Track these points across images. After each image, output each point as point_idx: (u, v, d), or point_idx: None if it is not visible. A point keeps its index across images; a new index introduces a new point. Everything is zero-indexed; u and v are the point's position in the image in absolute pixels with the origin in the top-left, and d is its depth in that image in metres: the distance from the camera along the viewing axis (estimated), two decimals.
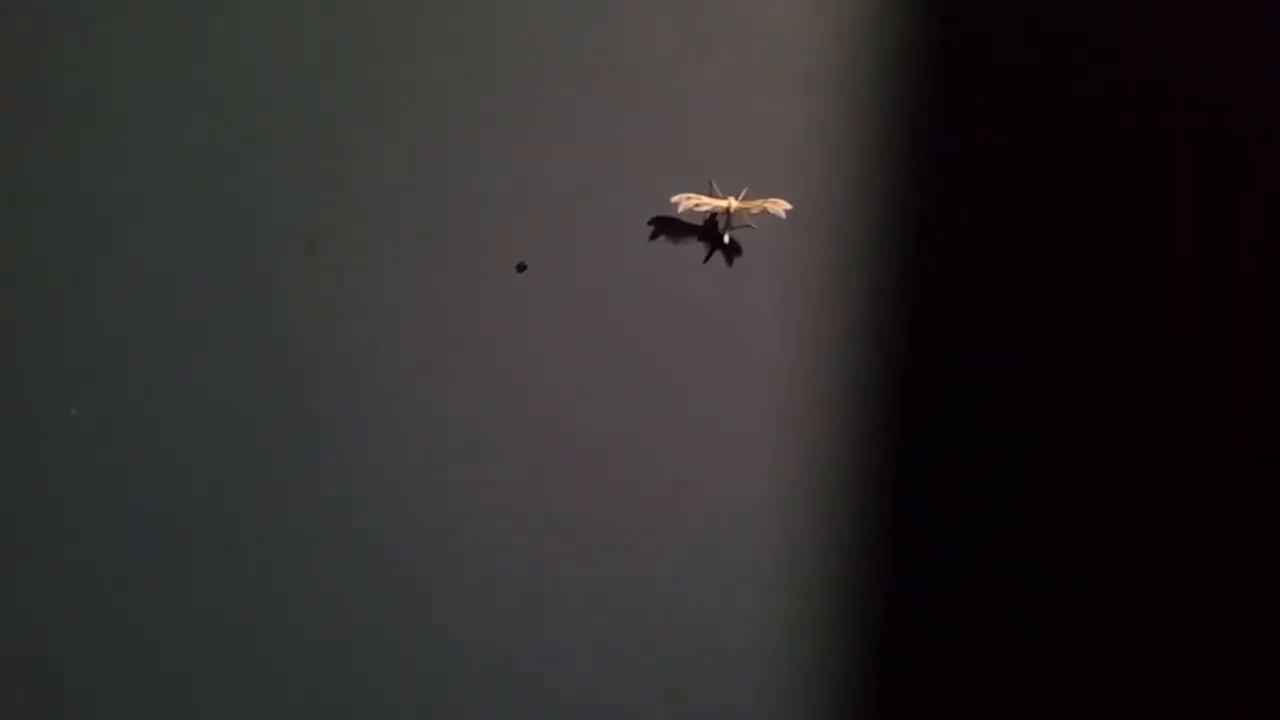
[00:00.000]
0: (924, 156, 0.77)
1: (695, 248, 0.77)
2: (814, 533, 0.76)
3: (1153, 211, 0.77)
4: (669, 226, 0.77)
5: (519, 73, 0.77)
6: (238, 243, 0.76)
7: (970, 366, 0.76)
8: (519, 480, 0.76)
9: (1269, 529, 0.73)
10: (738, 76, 0.77)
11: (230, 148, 0.76)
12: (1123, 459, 0.76)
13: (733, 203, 0.75)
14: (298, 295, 0.76)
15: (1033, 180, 0.77)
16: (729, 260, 0.77)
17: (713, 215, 0.76)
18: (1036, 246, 0.77)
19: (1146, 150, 0.77)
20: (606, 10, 0.77)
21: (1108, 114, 0.77)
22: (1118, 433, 0.76)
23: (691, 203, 0.75)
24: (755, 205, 0.75)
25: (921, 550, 0.76)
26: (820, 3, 0.77)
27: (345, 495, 0.76)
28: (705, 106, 0.77)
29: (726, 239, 0.76)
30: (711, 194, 0.75)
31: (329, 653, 0.75)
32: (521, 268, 0.76)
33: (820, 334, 0.77)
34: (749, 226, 0.77)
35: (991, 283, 0.76)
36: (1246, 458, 0.75)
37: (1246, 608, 0.74)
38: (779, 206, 0.75)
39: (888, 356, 0.76)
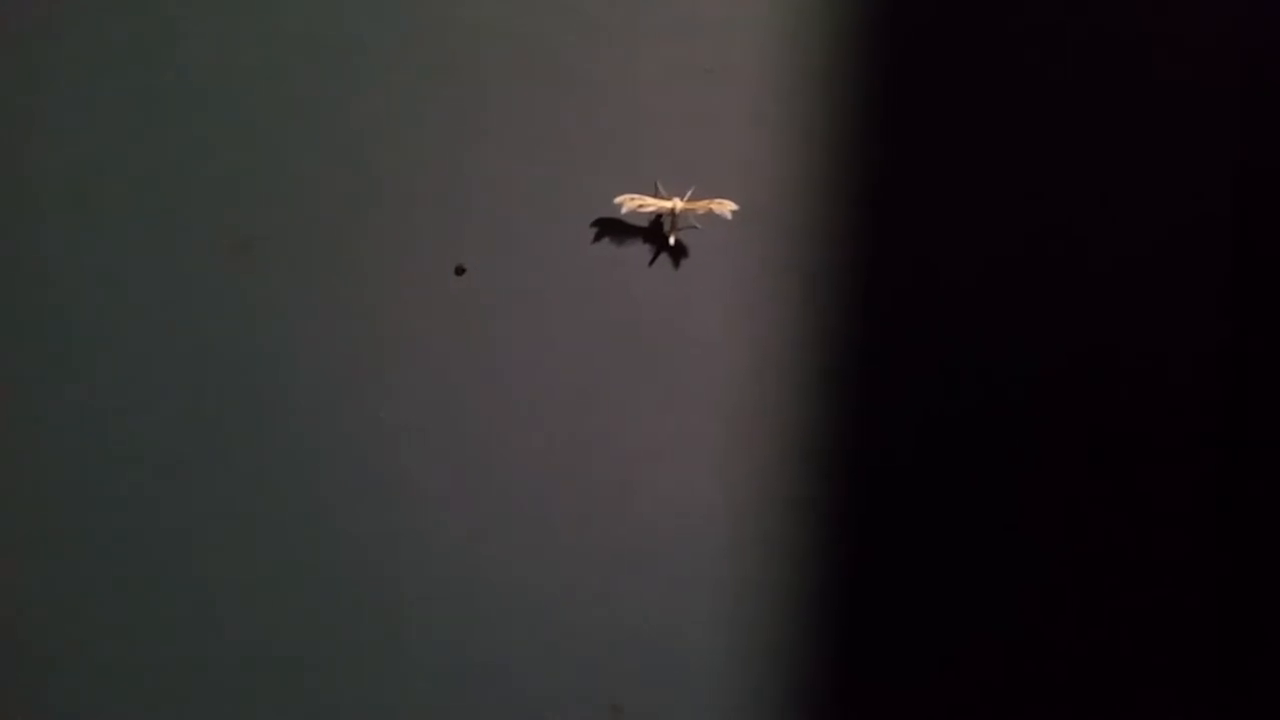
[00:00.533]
0: (875, 151, 0.77)
1: (640, 250, 0.77)
2: (766, 541, 0.76)
3: (1116, 201, 0.77)
4: (613, 228, 0.76)
5: (456, 70, 0.76)
6: (168, 243, 0.76)
7: (924, 366, 0.76)
8: (457, 488, 0.75)
9: (1234, 516, 0.74)
10: (681, 73, 0.77)
11: (162, 148, 0.75)
12: (1078, 454, 0.76)
13: (678, 203, 0.74)
14: (228, 298, 0.75)
15: (987, 172, 0.77)
16: (675, 262, 0.77)
17: (658, 216, 0.76)
18: (992, 241, 0.76)
19: (1106, 138, 0.77)
20: (546, 4, 0.77)
21: (1063, 102, 0.77)
22: (1076, 427, 0.76)
23: (636, 204, 0.74)
24: (701, 205, 0.74)
25: (874, 558, 0.76)
26: None
27: (276, 502, 0.75)
28: (649, 105, 0.77)
29: (672, 240, 0.76)
30: (656, 195, 0.75)
31: (259, 665, 0.74)
32: (460, 271, 0.75)
33: (770, 337, 0.76)
34: (695, 227, 0.76)
35: (947, 280, 0.76)
36: (1212, 447, 0.75)
37: (1214, 605, 0.75)
38: (725, 207, 0.74)
39: (839, 358, 0.76)
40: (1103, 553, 0.76)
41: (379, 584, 0.75)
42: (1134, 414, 0.76)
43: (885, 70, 0.77)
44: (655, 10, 0.77)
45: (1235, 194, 0.76)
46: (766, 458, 0.76)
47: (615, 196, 0.75)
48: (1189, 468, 0.76)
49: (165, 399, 0.75)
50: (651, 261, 0.77)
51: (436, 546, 0.75)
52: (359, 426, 0.75)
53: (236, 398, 0.75)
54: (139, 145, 0.75)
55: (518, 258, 0.76)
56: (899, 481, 0.75)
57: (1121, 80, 0.77)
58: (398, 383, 0.76)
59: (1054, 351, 0.76)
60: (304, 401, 0.75)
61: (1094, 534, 0.76)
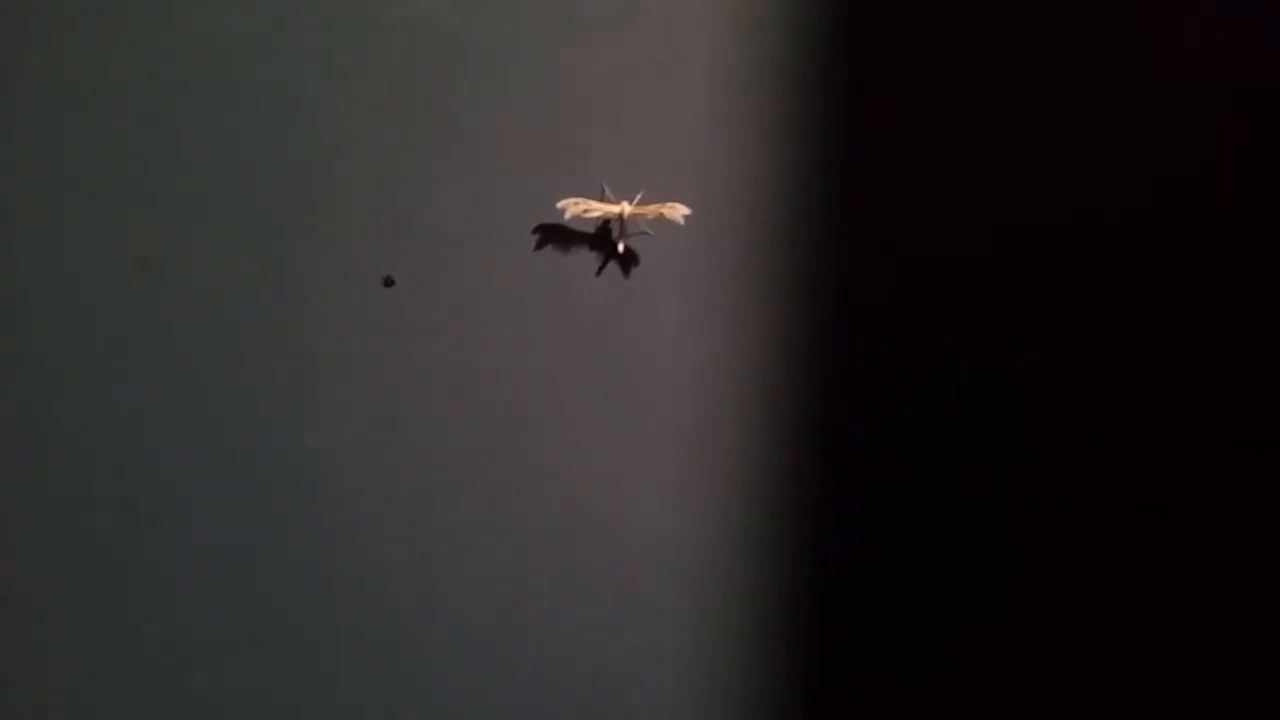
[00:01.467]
0: (841, 147, 0.75)
1: (587, 258, 0.74)
2: (728, 570, 0.74)
3: (1081, 194, 0.76)
4: (556, 235, 0.73)
5: (381, 68, 0.73)
6: (67, 261, 0.72)
7: (895, 377, 0.74)
8: (388, 520, 0.73)
9: (1229, 502, 0.74)
10: (628, 67, 0.74)
11: (65, 158, 0.72)
12: (1033, 466, 0.75)
13: (626, 207, 0.72)
14: (131, 320, 0.72)
15: (960, 169, 0.75)
16: (625, 271, 0.74)
17: (605, 222, 0.73)
18: (967, 243, 0.75)
19: (1069, 131, 0.75)
20: None
21: (1017, 102, 0.75)
22: (1033, 439, 0.75)
23: (580, 208, 0.71)
24: (651, 209, 0.72)
25: (836, 582, 0.74)
26: None
27: (189, 541, 0.72)
28: (593, 101, 0.74)
29: (621, 248, 0.73)
30: (603, 198, 0.72)
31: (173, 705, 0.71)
32: (389, 283, 0.72)
33: (727, 350, 0.74)
34: (645, 233, 0.73)
35: (919, 285, 0.74)
36: (1201, 445, 0.75)
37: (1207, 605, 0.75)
38: (677, 211, 0.72)
39: (804, 371, 0.74)
40: (1094, 552, 0.75)
41: (302, 624, 0.72)
42: (1121, 419, 0.75)
43: (850, 59, 0.75)
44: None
45: (1225, 173, 0.76)
46: (728, 480, 0.74)
47: (557, 201, 0.72)
48: (1183, 458, 0.75)
49: (64, 428, 0.72)
50: (599, 271, 0.74)
51: (365, 583, 0.72)
52: (280, 454, 0.72)
53: (144, 426, 0.72)
54: (41, 156, 0.72)
55: (451, 268, 0.73)
56: (868, 495, 0.74)
57: (1101, 65, 0.76)
58: (321, 407, 0.72)
59: (1031, 352, 0.75)
60: (219, 428, 0.72)
61: (1082, 539, 0.75)
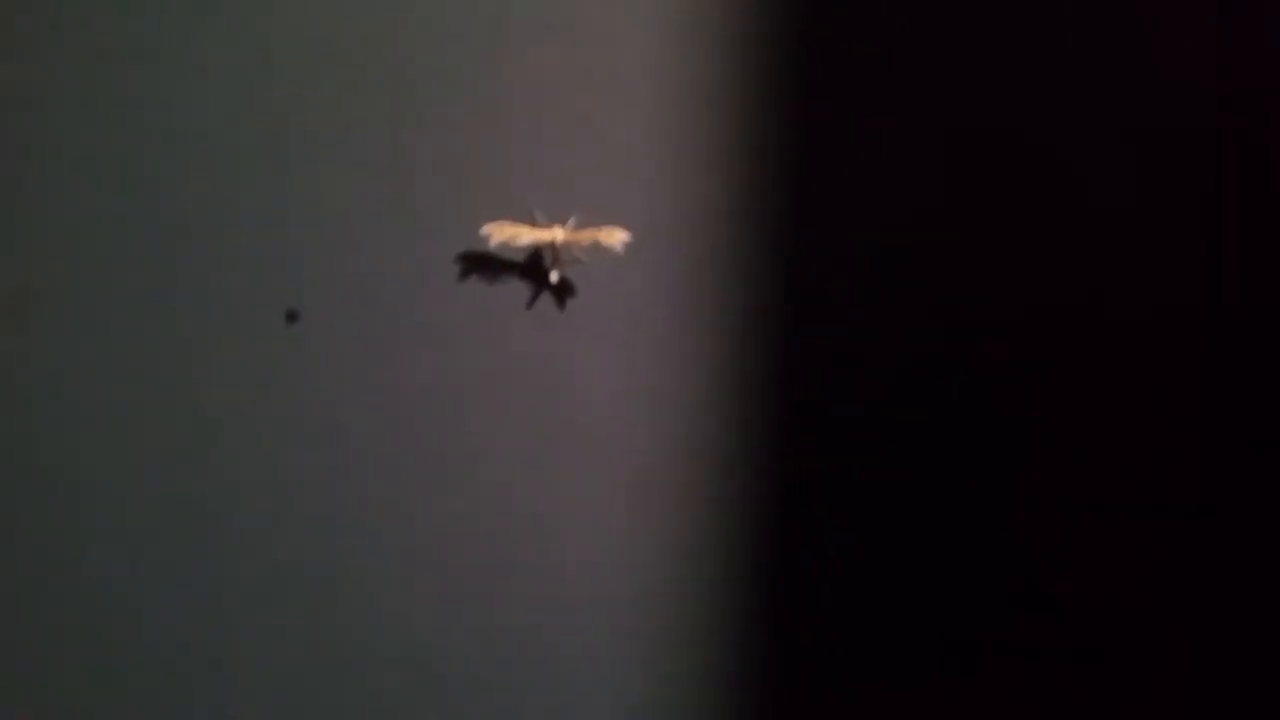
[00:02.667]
0: (788, 171, 0.74)
1: (515, 290, 0.72)
2: (674, 626, 0.72)
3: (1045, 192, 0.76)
4: (481, 265, 0.72)
5: (284, 82, 0.71)
6: None
7: (850, 417, 0.73)
8: (297, 580, 0.70)
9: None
10: (561, 81, 0.73)
11: None
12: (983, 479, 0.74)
13: (559, 233, 0.70)
14: (22, 352, 0.70)
15: (916, 184, 0.74)
16: (559, 304, 0.72)
17: (536, 250, 0.71)
18: (925, 270, 0.74)
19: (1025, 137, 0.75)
20: (390, 4, 0.72)
21: (974, 115, 0.75)
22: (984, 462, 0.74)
23: (507, 234, 0.70)
24: (587, 236, 0.70)
25: (791, 621, 0.73)
26: None
27: (78, 595, 0.70)
28: (521, 117, 0.72)
29: (554, 278, 0.71)
30: (533, 224, 0.71)
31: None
32: (292, 317, 0.70)
33: (672, 389, 0.73)
34: (580, 261, 0.72)
35: (863, 315, 0.74)
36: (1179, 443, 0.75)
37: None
38: (615, 237, 0.70)
39: (748, 411, 0.73)
40: (1080, 549, 0.75)
41: (204, 691, 0.70)
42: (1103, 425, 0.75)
43: (800, 68, 0.74)
44: (526, 6, 0.73)
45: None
46: (673, 538, 0.73)
47: (482, 226, 0.70)
48: (1171, 453, 0.75)
49: None
50: (530, 303, 0.72)
51: (273, 651, 0.70)
52: (173, 505, 0.70)
53: (31, 474, 0.70)
54: None
55: (363, 301, 0.71)
56: (817, 538, 0.73)
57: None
58: (218, 454, 0.70)
59: (992, 373, 0.74)
60: (107, 477, 0.70)
61: (1043, 535, 0.75)
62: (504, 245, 0.70)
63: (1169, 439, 0.75)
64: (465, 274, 0.71)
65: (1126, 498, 0.75)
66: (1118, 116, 0.75)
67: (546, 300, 0.72)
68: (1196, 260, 0.75)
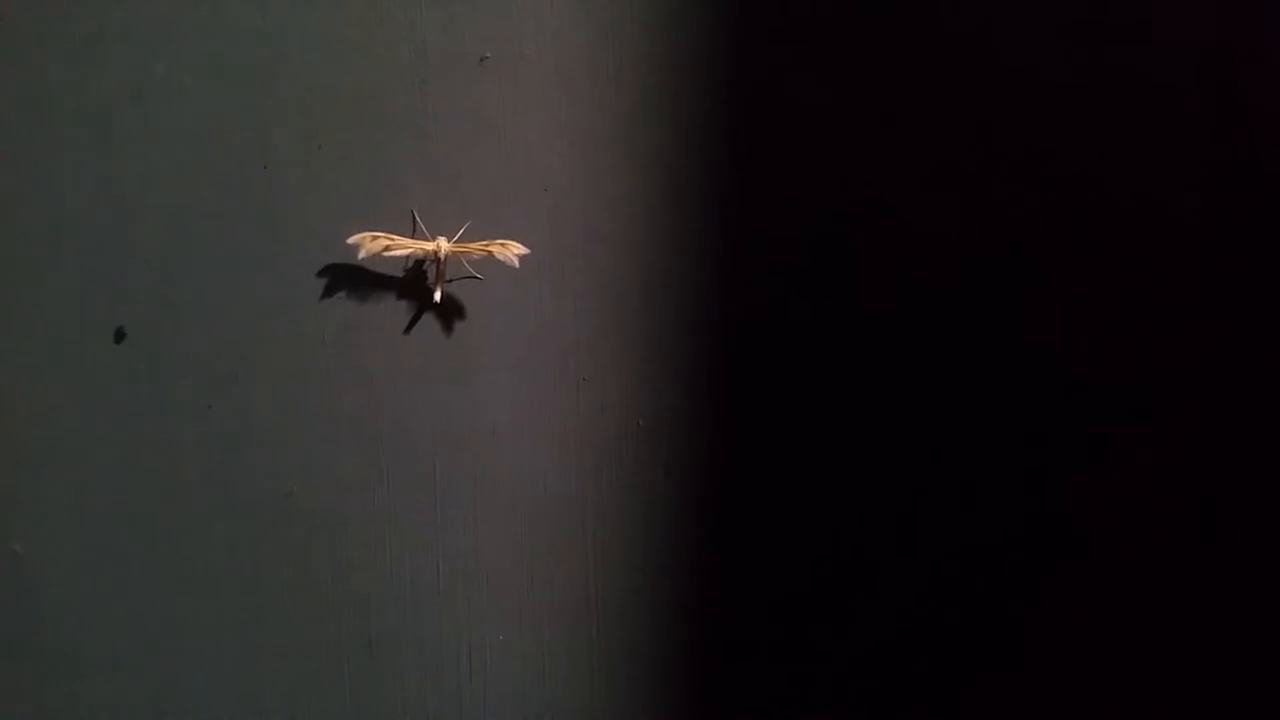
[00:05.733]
0: (713, 174, 0.70)
1: (393, 309, 0.67)
2: (586, 697, 0.69)
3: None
4: (351, 280, 0.66)
5: (111, 67, 0.64)
6: None
7: (776, 449, 0.71)
8: (120, 648, 0.65)
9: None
10: (449, 62, 0.66)
11: None
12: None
13: (444, 244, 0.65)
14: None
15: (854, 189, 0.71)
16: (444, 326, 0.67)
17: (418, 263, 0.66)
18: (856, 281, 0.71)
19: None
20: None
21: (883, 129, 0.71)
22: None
23: (381, 245, 0.64)
24: (478, 248, 0.66)
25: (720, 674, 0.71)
26: None
27: None
28: (399, 108, 0.66)
29: (438, 296, 0.66)
30: (414, 233, 0.66)
31: None
32: (120, 336, 0.64)
33: (579, 425, 0.69)
34: (476, 277, 0.67)
35: (803, 331, 0.70)
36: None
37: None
38: (511, 249, 0.66)
39: (671, 449, 0.69)
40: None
41: None
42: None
43: (725, 48, 0.70)
44: None
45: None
46: (586, 593, 0.69)
47: (349, 235, 0.64)
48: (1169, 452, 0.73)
49: None
50: (409, 327, 0.67)
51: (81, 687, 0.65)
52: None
53: None
54: None
55: (206, 318, 0.66)
56: (728, 590, 0.71)
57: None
58: (33, 500, 0.64)
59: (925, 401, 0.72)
60: None
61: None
62: (376, 257, 0.65)
63: (1163, 445, 0.74)
64: (330, 290, 0.66)
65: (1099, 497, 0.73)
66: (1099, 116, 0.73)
67: (429, 320, 0.67)
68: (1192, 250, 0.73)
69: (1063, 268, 0.73)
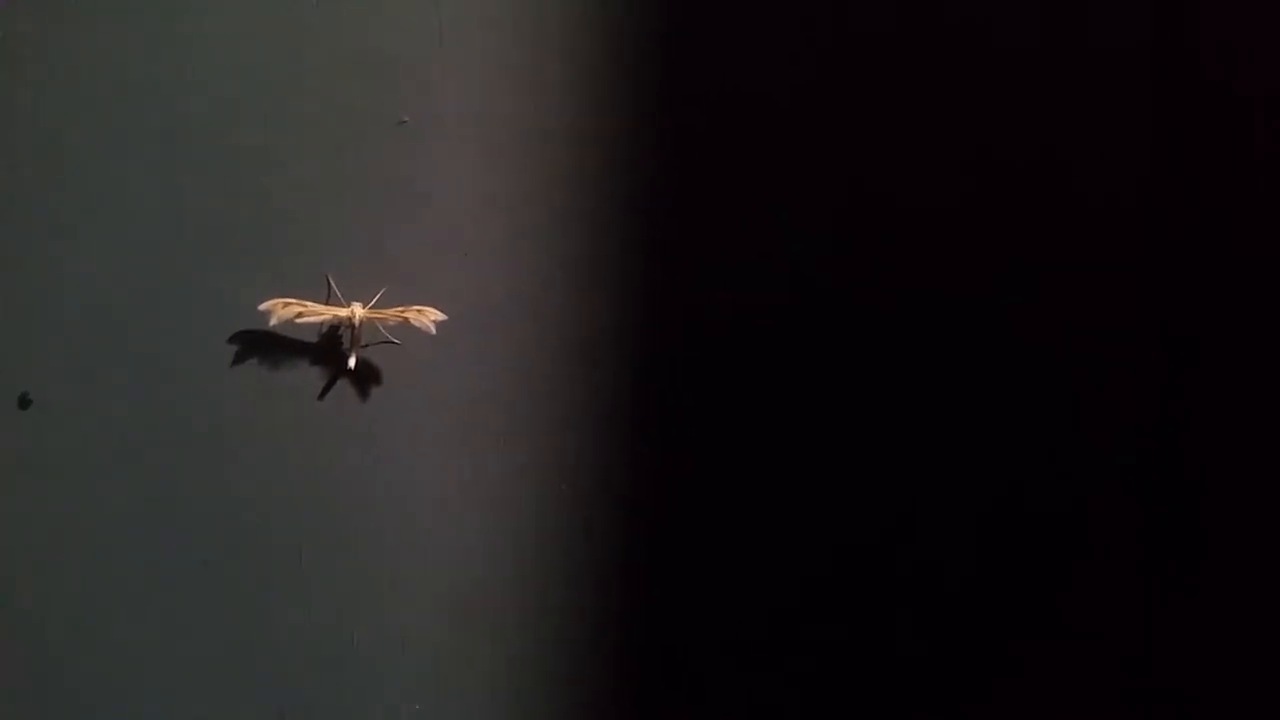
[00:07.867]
0: (632, 237, 0.69)
1: (306, 376, 0.66)
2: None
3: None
4: (261, 346, 0.65)
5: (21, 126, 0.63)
6: None
7: (716, 513, 0.69)
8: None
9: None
10: (366, 129, 0.66)
11: None
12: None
13: (359, 310, 0.64)
14: None
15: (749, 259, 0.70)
16: (360, 393, 0.66)
17: (333, 329, 0.65)
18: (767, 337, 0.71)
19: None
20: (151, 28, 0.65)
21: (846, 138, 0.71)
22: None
23: (294, 311, 0.64)
24: (393, 314, 0.65)
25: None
26: None
27: None
28: (315, 169, 0.66)
29: (352, 362, 0.65)
30: (329, 299, 0.65)
31: None
32: (25, 403, 0.63)
33: (494, 493, 0.68)
34: (394, 343, 0.66)
35: (717, 401, 0.70)
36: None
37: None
38: (428, 316, 0.65)
39: (598, 519, 0.68)
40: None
41: None
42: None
43: (650, 110, 0.69)
44: (319, 40, 0.66)
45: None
46: (505, 659, 0.67)
47: (261, 301, 0.63)
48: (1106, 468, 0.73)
49: None
50: (323, 394, 0.66)
51: None
52: None
53: None
54: None
55: (112, 387, 0.64)
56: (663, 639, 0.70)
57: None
58: None
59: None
60: None
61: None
62: (288, 323, 0.64)
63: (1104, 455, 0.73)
64: (241, 357, 0.65)
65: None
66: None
67: (344, 388, 0.66)
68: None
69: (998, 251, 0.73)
